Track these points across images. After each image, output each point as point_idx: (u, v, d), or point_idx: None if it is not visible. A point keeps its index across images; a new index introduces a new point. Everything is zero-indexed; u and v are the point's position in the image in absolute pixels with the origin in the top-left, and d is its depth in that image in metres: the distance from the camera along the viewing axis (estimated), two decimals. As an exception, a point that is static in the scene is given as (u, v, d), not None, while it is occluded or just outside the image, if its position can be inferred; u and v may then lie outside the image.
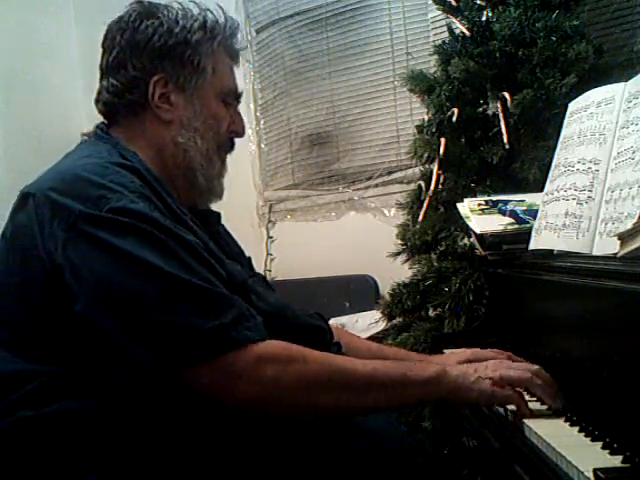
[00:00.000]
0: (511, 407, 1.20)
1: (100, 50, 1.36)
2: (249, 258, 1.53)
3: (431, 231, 2.00)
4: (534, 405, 1.19)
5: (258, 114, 3.39)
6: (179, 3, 1.36)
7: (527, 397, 1.20)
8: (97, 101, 1.36)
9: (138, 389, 1.12)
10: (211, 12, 1.36)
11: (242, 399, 1.12)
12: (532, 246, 1.44)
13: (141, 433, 1.13)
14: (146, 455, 1.13)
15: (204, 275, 1.14)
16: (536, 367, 1.23)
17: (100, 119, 1.37)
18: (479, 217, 1.64)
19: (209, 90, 1.34)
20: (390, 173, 2.97)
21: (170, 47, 1.31)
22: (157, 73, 1.30)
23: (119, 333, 1.10)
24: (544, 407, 1.19)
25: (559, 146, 1.44)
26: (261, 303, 1.28)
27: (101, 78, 1.35)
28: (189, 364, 1.10)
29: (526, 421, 1.13)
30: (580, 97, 1.44)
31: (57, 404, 1.13)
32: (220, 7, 1.38)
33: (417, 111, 2.68)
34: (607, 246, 1.16)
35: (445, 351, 1.60)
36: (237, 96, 1.42)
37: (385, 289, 2.36)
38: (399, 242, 2.10)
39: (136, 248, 1.11)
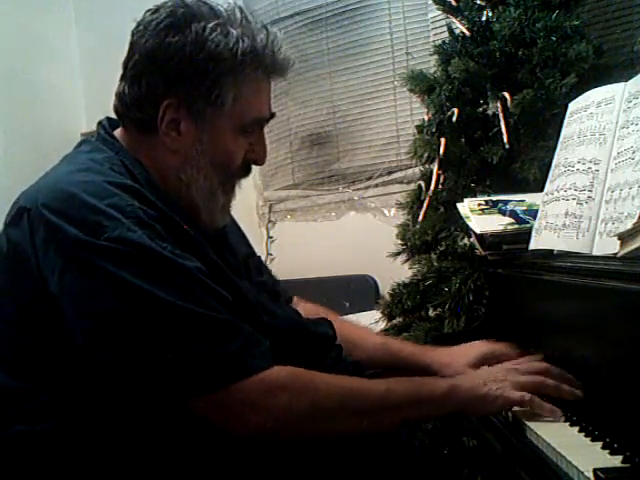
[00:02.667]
0: (516, 409, 1.20)
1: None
2: (259, 258, 1.50)
3: (431, 231, 1.99)
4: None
5: (258, 114, 3.39)
6: (226, 14, 1.21)
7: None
8: (115, 95, 1.26)
9: (136, 416, 1.10)
10: (254, 32, 1.21)
11: (253, 430, 1.09)
12: (532, 246, 1.44)
13: (135, 457, 1.11)
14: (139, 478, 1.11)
15: (208, 302, 1.10)
16: (544, 365, 1.22)
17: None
18: (479, 217, 1.64)
19: (225, 123, 1.22)
20: (390, 173, 2.97)
21: (188, 74, 1.18)
22: (170, 97, 1.19)
23: (120, 365, 1.08)
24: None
25: (559, 146, 1.44)
26: (272, 320, 1.26)
27: (121, 76, 1.24)
28: (195, 395, 1.07)
29: (526, 421, 1.13)
30: (580, 97, 1.44)
31: (50, 423, 1.11)
32: (265, 27, 1.23)
33: (417, 111, 2.68)
34: (607, 246, 1.16)
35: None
36: (263, 122, 1.29)
37: (385, 289, 2.36)
38: (399, 242, 2.10)
39: (136, 279, 1.07)
